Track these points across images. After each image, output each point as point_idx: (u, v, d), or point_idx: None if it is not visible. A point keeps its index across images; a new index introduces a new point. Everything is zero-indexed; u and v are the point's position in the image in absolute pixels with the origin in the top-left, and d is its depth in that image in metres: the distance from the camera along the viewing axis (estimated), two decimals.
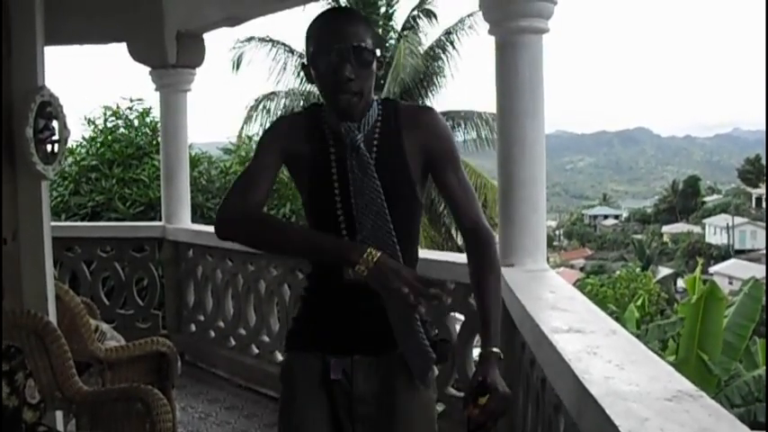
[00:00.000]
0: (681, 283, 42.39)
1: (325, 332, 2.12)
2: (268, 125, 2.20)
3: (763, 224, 55.73)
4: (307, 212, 2.18)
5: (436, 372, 2.23)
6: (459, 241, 17.96)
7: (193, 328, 6.36)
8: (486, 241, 2.09)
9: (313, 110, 2.17)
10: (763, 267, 34.58)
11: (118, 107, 9.58)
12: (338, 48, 1.96)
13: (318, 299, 2.17)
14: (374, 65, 2.02)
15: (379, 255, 1.86)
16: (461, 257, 2.67)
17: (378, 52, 2.03)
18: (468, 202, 2.12)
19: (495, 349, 1.93)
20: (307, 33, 2.06)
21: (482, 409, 1.85)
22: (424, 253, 3.21)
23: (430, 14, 19.28)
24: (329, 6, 14.26)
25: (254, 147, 10.92)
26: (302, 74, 18.11)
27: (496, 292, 2.04)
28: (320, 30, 2.03)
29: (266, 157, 2.09)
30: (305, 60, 2.08)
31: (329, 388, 2.12)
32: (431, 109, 2.23)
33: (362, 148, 2.02)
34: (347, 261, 1.89)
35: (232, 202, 2.03)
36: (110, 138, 9.16)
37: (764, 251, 45.81)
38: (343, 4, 18.04)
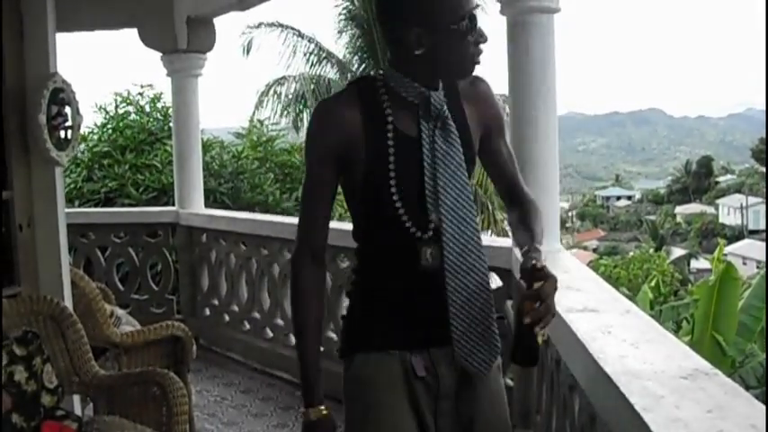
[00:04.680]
0: (694, 263, 42.25)
1: (402, 327, 1.95)
2: (312, 119, 1.97)
3: None
4: (359, 200, 1.96)
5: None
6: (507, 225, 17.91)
7: (208, 312, 6.38)
8: (538, 209, 2.04)
9: (363, 84, 1.98)
10: None
11: (129, 93, 9.59)
12: (473, 13, 1.84)
13: (387, 292, 1.96)
14: None
15: (319, 415, 1.94)
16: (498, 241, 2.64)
17: None
18: (517, 172, 2.10)
19: (539, 246, 1.85)
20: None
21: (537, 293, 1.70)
22: None
23: None
24: None
25: (265, 131, 10.99)
26: (310, 57, 18.23)
27: (541, 227, 1.97)
28: None
29: (322, 171, 1.93)
30: (417, 27, 1.82)
31: (411, 387, 1.94)
32: (484, 79, 2.07)
33: (449, 116, 1.90)
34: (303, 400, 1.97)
35: (297, 251, 1.98)
36: (121, 124, 9.17)
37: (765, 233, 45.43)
38: None
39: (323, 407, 1.95)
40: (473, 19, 1.84)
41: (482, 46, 1.88)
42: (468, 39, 1.85)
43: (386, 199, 1.89)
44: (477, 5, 1.86)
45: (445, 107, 1.90)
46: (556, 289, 1.73)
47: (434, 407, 1.96)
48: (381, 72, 1.96)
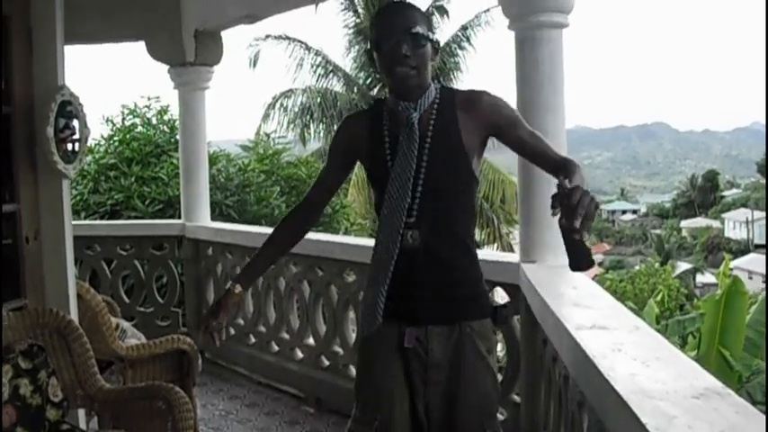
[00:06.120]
0: (700, 277, 42.10)
1: (398, 302, 2.34)
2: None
3: None
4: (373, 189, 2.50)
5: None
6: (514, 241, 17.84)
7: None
8: (576, 164, 2.21)
9: (375, 103, 2.53)
10: None
11: (136, 106, 9.62)
12: (396, 32, 2.28)
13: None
14: (428, 47, 2.32)
15: (234, 291, 2.54)
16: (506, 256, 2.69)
17: (432, 37, 2.33)
18: (545, 145, 2.36)
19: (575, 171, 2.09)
20: (370, 24, 2.49)
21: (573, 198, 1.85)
22: None
23: (442, 11, 19.32)
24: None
25: (272, 144, 11.01)
26: (317, 70, 18.30)
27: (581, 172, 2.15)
28: (380, 19, 2.40)
29: (331, 160, 2.57)
30: (368, 47, 2.42)
31: (404, 355, 2.36)
32: (483, 91, 2.42)
33: (415, 125, 2.33)
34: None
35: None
36: (128, 136, 9.19)
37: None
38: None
39: (241, 288, 2.53)
40: (398, 40, 2.27)
41: (417, 64, 2.30)
42: (391, 58, 2.30)
43: (382, 188, 2.34)
44: (410, 28, 2.28)
45: (414, 116, 2.32)
46: (584, 192, 1.85)
47: (424, 375, 2.35)
48: None
